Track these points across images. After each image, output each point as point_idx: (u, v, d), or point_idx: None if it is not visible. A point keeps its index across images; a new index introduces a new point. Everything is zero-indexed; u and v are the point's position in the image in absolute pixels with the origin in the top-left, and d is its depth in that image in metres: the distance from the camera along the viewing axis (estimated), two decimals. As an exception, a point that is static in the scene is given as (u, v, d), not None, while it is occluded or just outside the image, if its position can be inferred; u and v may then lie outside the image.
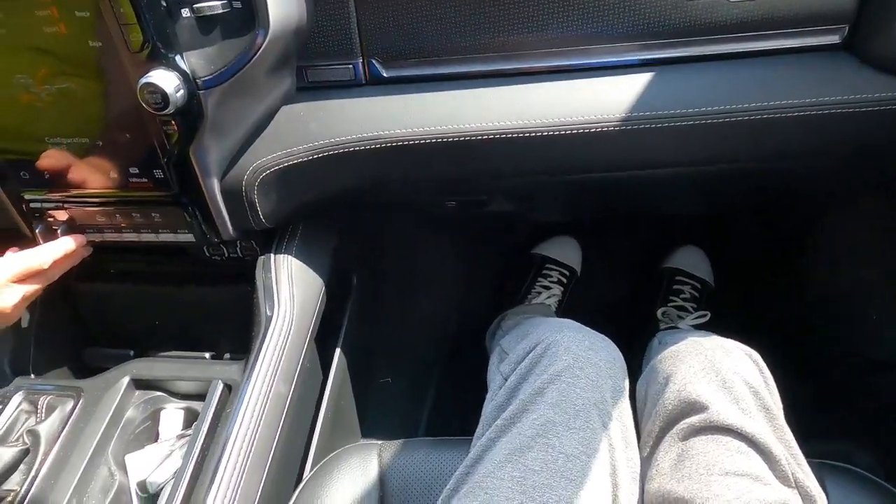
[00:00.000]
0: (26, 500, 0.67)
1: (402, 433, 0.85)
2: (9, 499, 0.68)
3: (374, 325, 1.14)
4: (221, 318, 0.91)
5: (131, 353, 0.92)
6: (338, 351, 0.98)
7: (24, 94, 0.66)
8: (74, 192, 0.74)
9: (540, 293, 1.26)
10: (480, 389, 0.77)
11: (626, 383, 0.68)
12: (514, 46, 0.71)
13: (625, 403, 0.65)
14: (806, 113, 0.67)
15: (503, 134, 0.71)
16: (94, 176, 0.72)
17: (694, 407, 0.62)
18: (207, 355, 0.91)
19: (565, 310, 1.28)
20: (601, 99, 0.70)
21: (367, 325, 1.09)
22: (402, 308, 1.30)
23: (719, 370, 0.64)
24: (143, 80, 0.60)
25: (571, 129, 0.70)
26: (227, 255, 0.89)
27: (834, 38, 0.68)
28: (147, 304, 0.94)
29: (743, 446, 0.57)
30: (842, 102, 0.66)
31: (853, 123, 0.68)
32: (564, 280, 1.31)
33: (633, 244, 1.45)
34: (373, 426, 1.08)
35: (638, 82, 0.70)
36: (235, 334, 0.90)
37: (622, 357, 0.71)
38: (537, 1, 0.67)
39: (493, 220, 1.33)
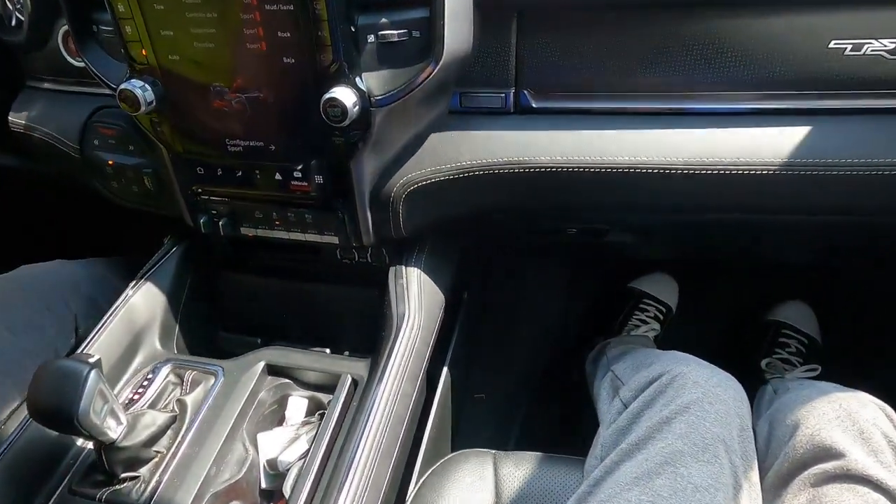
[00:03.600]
0: (174, 463, 0.74)
1: (492, 446, 0.87)
2: (157, 460, 0.76)
3: (476, 341, 1.18)
4: (344, 318, 0.97)
5: (259, 341, 0.99)
6: (446, 361, 1.02)
7: (216, 100, 0.75)
8: (242, 190, 0.83)
9: (638, 326, 1.26)
10: (571, 409, 0.79)
11: (751, 423, 0.68)
12: (662, 88, 0.74)
13: (751, 443, 0.66)
14: None
15: (643, 168, 0.74)
16: (262, 176, 0.80)
17: (829, 453, 0.61)
18: (328, 350, 0.97)
19: (662, 346, 1.28)
20: (746, 142, 0.72)
21: (470, 340, 1.13)
22: (501, 327, 1.34)
23: (856, 420, 0.63)
24: (328, 96, 0.67)
25: (710, 169, 0.73)
26: (357, 259, 0.95)
27: None
28: (278, 297, 1.02)
29: (882, 500, 0.57)
30: None
31: None
32: (661, 317, 1.31)
33: (734, 290, 1.43)
34: (467, 438, 1.11)
35: (780, 130, 0.72)
36: (356, 334, 0.96)
37: (747, 397, 0.71)
38: (688, 48, 0.70)
39: (598, 251, 1.36)
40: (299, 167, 0.78)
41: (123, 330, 0.87)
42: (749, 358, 1.23)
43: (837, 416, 0.65)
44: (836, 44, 0.68)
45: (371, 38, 0.68)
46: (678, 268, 1.41)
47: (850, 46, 0.67)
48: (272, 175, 0.80)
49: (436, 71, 0.68)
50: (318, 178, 0.78)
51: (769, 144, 0.72)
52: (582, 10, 0.71)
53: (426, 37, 0.67)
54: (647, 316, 1.29)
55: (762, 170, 0.72)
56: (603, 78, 0.75)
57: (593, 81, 0.76)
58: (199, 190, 0.86)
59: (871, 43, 0.67)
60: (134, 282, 0.92)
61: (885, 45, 0.67)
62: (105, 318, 0.87)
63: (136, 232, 1.08)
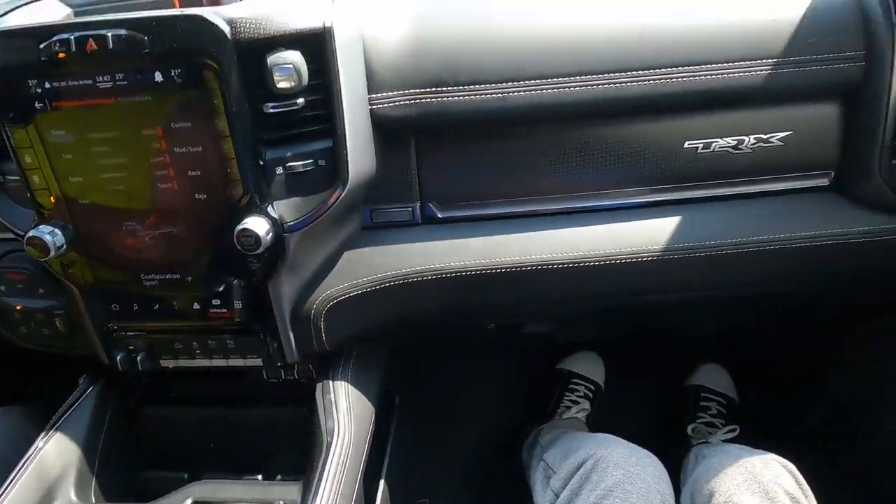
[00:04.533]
0: None
1: None
2: None
3: (414, 444, 1.17)
4: (276, 440, 0.95)
5: (185, 475, 0.95)
6: (383, 472, 1.01)
7: (129, 238, 0.76)
8: (160, 323, 0.82)
9: (570, 407, 1.30)
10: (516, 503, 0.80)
11: (672, 497, 0.72)
12: (555, 191, 0.82)
13: None
14: (801, 245, 0.78)
15: (544, 266, 0.81)
16: (179, 307, 0.81)
17: None
18: (259, 476, 0.94)
19: (594, 424, 1.31)
20: (628, 234, 0.81)
21: (407, 444, 1.12)
22: (439, 426, 1.34)
23: (761, 481, 0.68)
24: (240, 227, 0.70)
25: (602, 261, 0.81)
26: (283, 377, 0.95)
27: (823, 181, 0.80)
28: (204, 427, 0.98)
29: None
30: (831, 235, 0.77)
31: (844, 254, 0.78)
32: (591, 395, 1.36)
33: (655, 361, 1.51)
34: None
35: (658, 221, 0.81)
36: (289, 455, 0.94)
37: (666, 472, 0.75)
38: (574, 154, 0.80)
39: (524, 340, 1.40)
40: (217, 295, 0.79)
41: (34, 485, 0.81)
42: (676, 425, 1.29)
43: (745, 479, 0.69)
44: (689, 144, 0.79)
45: (279, 171, 0.72)
46: (603, 344, 1.47)
47: (700, 145, 0.79)
48: (190, 305, 0.80)
49: (343, 195, 0.73)
50: (237, 304, 0.80)
51: (648, 234, 0.81)
52: (470, 130, 0.79)
53: (332, 165, 0.73)
54: (577, 396, 1.33)
55: (646, 257, 0.80)
56: (500, 185, 0.83)
57: (491, 189, 0.83)
58: (115, 327, 0.85)
59: (717, 141, 0.79)
60: (45, 430, 0.87)
61: (729, 143, 0.79)
62: (13, 473, 0.81)
63: (50, 374, 1.03)
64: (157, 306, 0.81)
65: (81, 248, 0.76)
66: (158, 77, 0.66)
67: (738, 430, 1.18)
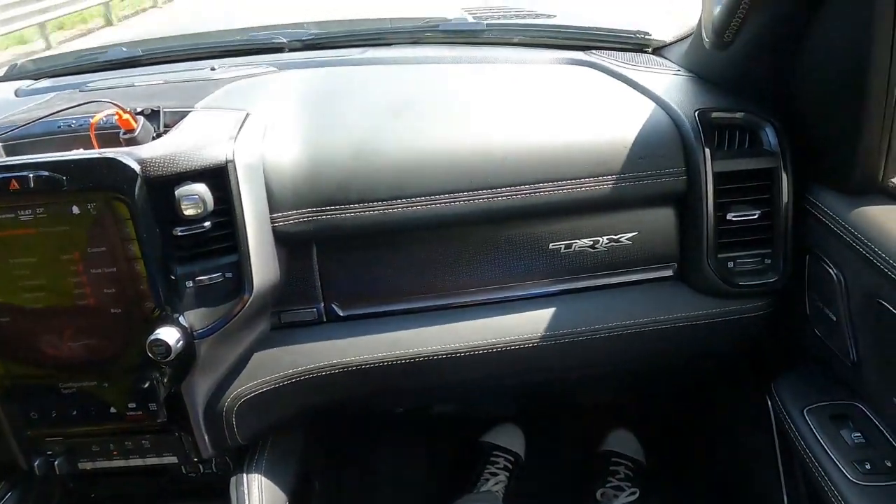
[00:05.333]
0: None
1: None
2: None
3: None
4: None
5: None
6: None
7: (48, 350, 0.82)
8: (77, 428, 0.87)
9: (488, 479, 1.37)
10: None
11: None
12: (444, 288, 0.94)
13: None
14: (652, 328, 0.91)
15: (439, 356, 0.91)
16: (97, 413, 0.86)
17: None
18: None
19: (512, 494, 1.38)
20: (511, 325, 0.93)
21: None
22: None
23: None
24: (152, 338, 0.78)
25: (492, 349, 0.92)
26: (202, 471, 1.00)
27: (669, 273, 0.95)
28: None
29: None
30: (677, 319, 0.91)
31: (689, 334, 0.92)
32: (510, 466, 1.43)
33: (572, 428, 1.60)
34: None
35: (536, 312, 0.94)
36: None
37: None
38: (463, 254, 0.92)
39: (442, 419, 1.48)
40: (133, 399, 0.85)
41: None
42: (588, 490, 1.37)
43: None
44: (553, 245, 0.92)
45: (189, 284, 0.81)
46: (523, 417, 1.56)
47: (563, 246, 0.92)
48: (107, 409, 0.86)
49: (248, 303, 0.82)
50: (153, 406, 0.86)
51: (527, 324, 0.93)
52: (365, 239, 0.90)
53: (238, 276, 0.82)
54: (496, 468, 1.40)
55: (526, 345, 0.92)
56: (395, 285, 0.94)
57: (387, 289, 0.94)
58: (33, 433, 0.89)
59: (576, 242, 0.92)
60: None
61: (587, 243, 0.92)
62: None
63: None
64: (75, 412, 0.86)
65: (1, 359, 0.82)
66: (75, 210, 0.75)
67: (637, 494, 1.28)
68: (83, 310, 0.80)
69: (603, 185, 0.88)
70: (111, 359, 0.83)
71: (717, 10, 0.71)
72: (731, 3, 0.68)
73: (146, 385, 0.84)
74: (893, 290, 0.70)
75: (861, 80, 0.72)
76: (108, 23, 9.26)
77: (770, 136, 0.88)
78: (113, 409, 0.86)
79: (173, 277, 0.80)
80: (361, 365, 0.91)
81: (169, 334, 0.78)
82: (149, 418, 0.86)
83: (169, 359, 0.78)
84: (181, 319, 0.81)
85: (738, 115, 0.89)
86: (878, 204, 0.79)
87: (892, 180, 0.80)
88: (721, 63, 0.92)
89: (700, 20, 0.90)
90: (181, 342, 0.79)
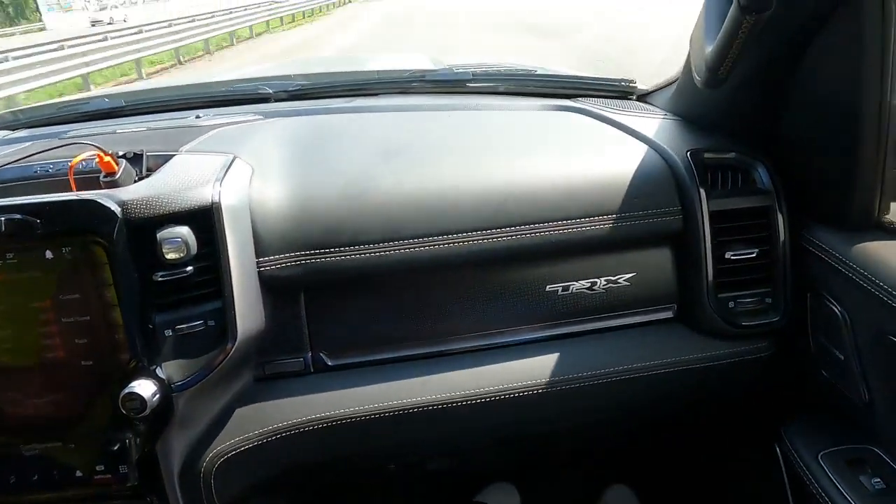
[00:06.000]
0: None
1: None
2: None
3: None
4: None
5: None
6: None
7: (11, 407, 0.76)
8: (39, 494, 0.79)
9: (484, 544, 1.28)
10: None
11: None
12: (438, 334, 0.89)
13: None
14: (652, 373, 0.88)
15: (433, 406, 0.86)
16: (61, 478, 0.78)
17: None
18: None
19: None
20: (510, 372, 0.88)
21: None
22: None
23: None
24: (126, 391, 0.72)
25: (491, 397, 0.87)
26: None
27: (669, 314, 0.92)
28: None
29: None
30: (679, 363, 0.88)
31: (692, 378, 0.89)
32: (506, 528, 1.35)
33: (569, 484, 1.52)
34: None
35: (535, 358, 0.89)
36: None
37: None
38: (454, 299, 0.88)
39: (433, 477, 1.40)
40: (102, 461, 0.78)
41: None
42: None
43: None
44: (550, 287, 0.89)
45: (168, 333, 0.76)
46: (517, 474, 1.49)
47: (560, 288, 0.89)
48: (72, 474, 0.79)
49: (232, 352, 0.77)
50: (123, 468, 0.79)
51: (525, 370, 0.88)
52: (355, 284, 0.87)
53: (221, 324, 0.77)
54: (491, 530, 1.32)
55: (524, 392, 0.87)
56: (386, 332, 0.89)
57: (378, 336, 0.89)
58: None
59: (573, 284, 0.89)
60: None
61: (584, 285, 0.90)
62: None
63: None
64: (36, 476, 0.79)
65: None
66: (49, 255, 0.71)
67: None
68: (51, 362, 0.74)
69: (599, 225, 0.86)
70: (80, 416, 0.76)
71: (710, 48, 0.72)
72: (724, 42, 0.69)
73: (117, 446, 0.77)
74: None
75: (854, 118, 0.73)
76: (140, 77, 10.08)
77: (762, 174, 0.88)
78: (79, 473, 0.79)
79: (151, 326, 0.75)
80: (352, 418, 0.85)
81: (144, 388, 0.73)
82: (118, 483, 0.79)
83: (143, 414, 0.73)
84: (158, 371, 0.75)
85: (730, 155, 0.90)
86: (876, 240, 0.78)
87: (888, 216, 0.80)
88: (710, 104, 0.93)
89: (686, 63, 0.91)
90: (157, 396, 0.74)
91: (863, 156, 0.74)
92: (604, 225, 0.87)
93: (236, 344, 0.77)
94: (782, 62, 0.77)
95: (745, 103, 0.88)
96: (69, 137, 1.05)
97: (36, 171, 0.84)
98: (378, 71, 1.48)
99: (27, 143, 1.05)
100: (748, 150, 0.90)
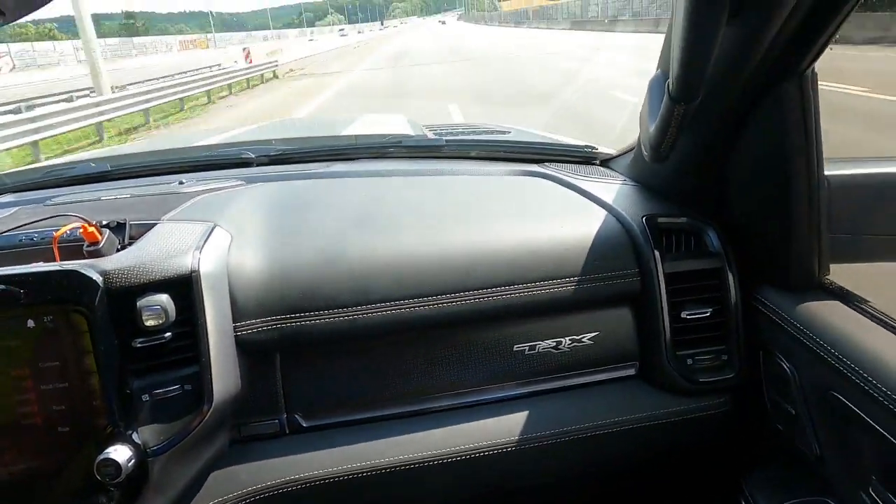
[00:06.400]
0: None
1: None
2: None
3: None
4: None
5: None
6: None
7: (-15, 476, 0.76)
8: None
9: None
10: None
11: None
12: (410, 394, 0.92)
13: None
14: (617, 429, 0.92)
15: (408, 465, 0.88)
16: None
17: None
18: None
19: None
20: (481, 430, 0.91)
21: None
22: None
23: None
24: (102, 457, 0.73)
25: (462, 456, 0.89)
26: None
27: (631, 371, 0.96)
28: None
29: None
30: (641, 419, 0.91)
31: (654, 434, 0.92)
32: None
33: None
34: None
35: (502, 418, 0.92)
36: None
37: None
38: (427, 360, 0.91)
39: None
40: None
41: None
42: None
43: None
44: (517, 346, 0.93)
45: (145, 398, 0.78)
46: None
47: (527, 347, 0.93)
48: None
49: (207, 416, 0.79)
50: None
51: (496, 428, 0.91)
52: (330, 346, 0.90)
53: (198, 388, 0.79)
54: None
55: (497, 450, 0.90)
56: (360, 392, 0.92)
57: (353, 397, 0.92)
58: None
59: (539, 343, 0.93)
60: None
61: (550, 344, 0.94)
62: None
63: None
64: None
65: None
66: (31, 323, 0.73)
67: None
68: (28, 428, 0.75)
69: (562, 287, 0.91)
70: (54, 481, 0.77)
71: (652, 128, 0.79)
72: (661, 125, 0.76)
73: None
74: (844, 382, 0.73)
75: (787, 189, 0.80)
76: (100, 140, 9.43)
77: (713, 238, 0.94)
78: None
79: (129, 391, 0.77)
80: (327, 478, 0.87)
81: (120, 453, 0.74)
82: None
83: (118, 480, 0.74)
84: (135, 436, 0.77)
85: (682, 219, 0.96)
86: (819, 300, 0.84)
87: (829, 277, 0.86)
88: (661, 174, 1.00)
89: (639, 136, 0.99)
90: (133, 461, 0.75)
91: (799, 222, 0.81)
92: (567, 287, 0.91)
93: (212, 407, 0.79)
94: (718, 142, 0.85)
95: (690, 175, 0.95)
96: (55, 205, 1.08)
97: (21, 240, 0.87)
98: (356, 136, 1.55)
99: (13, 209, 1.09)
100: (699, 215, 0.96)
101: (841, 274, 0.88)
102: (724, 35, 0.62)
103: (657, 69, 0.82)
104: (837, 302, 0.82)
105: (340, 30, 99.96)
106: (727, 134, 0.83)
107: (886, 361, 0.70)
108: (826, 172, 0.81)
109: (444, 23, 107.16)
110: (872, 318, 0.78)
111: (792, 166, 0.77)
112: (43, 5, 0.66)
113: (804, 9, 0.64)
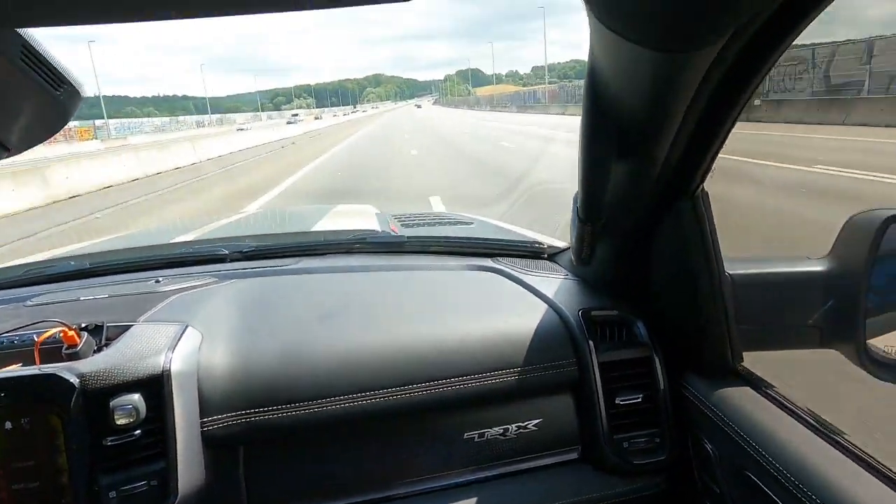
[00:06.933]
0: None
1: None
2: None
3: None
4: None
5: None
6: None
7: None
8: None
9: None
10: None
11: None
12: (370, 483, 0.98)
13: None
14: None
15: None
16: None
17: None
18: None
19: None
20: None
21: None
22: None
23: None
24: None
25: None
26: None
27: (574, 455, 1.03)
28: None
29: None
30: (583, 501, 0.98)
31: None
32: None
33: None
34: None
35: (457, 502, 0.98)
36: None
37: None
38: (387, 449, 0.98)
39: None
40: None
41: None
42: None
43: None
44: (467, 434, 1.00)
45: (112, 494, 0.83)
46: None
47: (476, 435, 1.00)
48: None
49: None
50: None
51: None
52: (294, 438, 0.96)
53: (163, 483, 0.84)
54: None
55: None
56: (323, 481, 0.97)
57: (313, 487, 0.97)
58: None
59: (488, 431, 1.01)
60: None
61: (498, 431, 1.01)
62: None
63: None
64: None
65: None
66: (8, 425, 0.79)
67: None
68: None
69: (508, 377, 1.00)
70: None
71: (574, 238, 0.91)
72: (578, 236, 0.88)
73: None
74: (755, 464, 0.82)
75: (695, 287, 0.91)
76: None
77: (641, 329, 1.05)
78: None
79: (97, 488, 0.82)
80: None
81: None
82: None
83: None
84: None
85: (613, 312, 1.07)
86: (732, 386, 0.93)
87: (742, 364, 0.96)
88: (593, 272, 1.12)
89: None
90: None
91: (709, 316, 0.92)
92: (512, 377, 1.00)
93: (177, 501, 0.84)
94: (632, 250, 0.97)
95: (617, 274, 1.07)
96: (36, 305, 1.15)
97: (2, 343, 0.93)
98: (325, 232, 1.66)
99: None
100: (629, 308, 1.07)
101: (756, 360, 0.98)
102: (617, 168, 0.75)
103: (578, 185, 0.95)
104: (748, 388, 0.92)
105: (294, 115, 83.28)
106: (638, 244, 0.96)
107: (788, 444, 0.79)
108: (731, 271, 0.93)
109: (419, 107, 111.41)
110: (777, 403, 0.87)
111: (696, 268, 0.89)
112: (46, 139, 0.76)
113: (683, 144, 0.77)
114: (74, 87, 0.66)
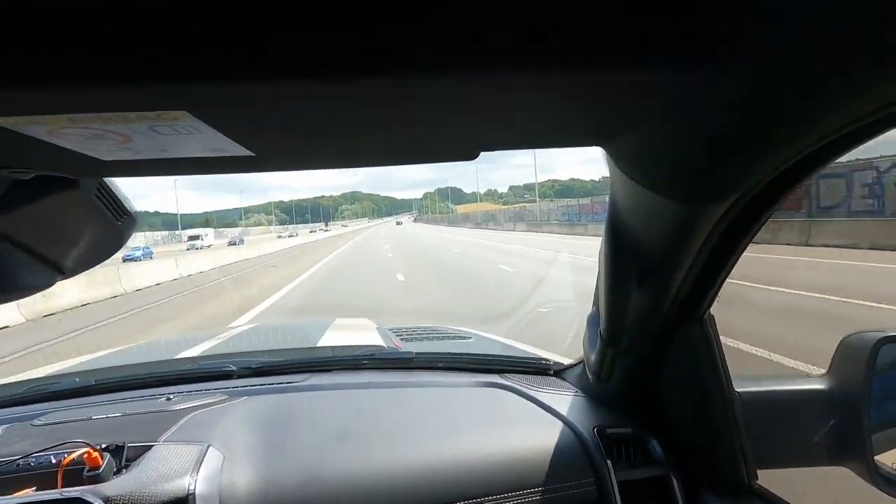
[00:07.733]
0: None
1: None
2: None
3: None
4: None
5: None
6: None
7: None
8: None
9: None
10: None
11: None
12: None
13: None
14: None
15: None
16: None
17: None
18: None
19: None
20: None
21: None
22: None
23: None
24: None
25: None
26: None
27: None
28: None
29: None
30: None
31: None
32: None
33: None
34: None
35: None
36: None
37: None
38: None
39: None
40: None
41: None
42: None
43: None
44: None
45: None
46: None
47: None
48: None
49: None
50: None
51: None
52: None
53: None
54: None
55: None
56: None
57: None
58: None
59: None
60: None
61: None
62: None
63: None
64: None
65: None
66: None
67: None
68: None
69: (528, 497, 1.00)
70: None
71: (592, 356, 0.96)
72: (599, 357, 0.93)
73: None
74: None
75: (706, 406, 0.95)
76: None
77: (655, 447, 1.06)
78: None
79: None
80: None
81: None
82: None
83: None
84: None
85: (628, 430, 1.09)
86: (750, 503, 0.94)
87: (757, 482, 0.98)
88: (607, 390, 1.15)
89: (583, 360, 1.15)
90: None
91: (721, 434, 0.95)
92: (529, 498, 1.00)
93: None
94: (647, 370, 1.02)
95: (631, 392, 1.10)
96: (42, 424, 1.13)
97: (19, 465, 0.92)
98: (332, 347, 1.69)
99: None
100: (643, 426, 1.09)
101: (772, 478, 1.00)
102: (636, 295, 0.82)
103: (593, 306, 1.01)
104: None
105: (192, 236, 65.32)
106: (652, 365, 1.01)
107: None
108: (739, 389, 0.97)
109: (400, 224, 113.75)
110: None
111: (706, 388, 0.93)
112: (98, 264, 0.81)
113: (694, 275, 0.85)
114: (133, 216, 0.73)
